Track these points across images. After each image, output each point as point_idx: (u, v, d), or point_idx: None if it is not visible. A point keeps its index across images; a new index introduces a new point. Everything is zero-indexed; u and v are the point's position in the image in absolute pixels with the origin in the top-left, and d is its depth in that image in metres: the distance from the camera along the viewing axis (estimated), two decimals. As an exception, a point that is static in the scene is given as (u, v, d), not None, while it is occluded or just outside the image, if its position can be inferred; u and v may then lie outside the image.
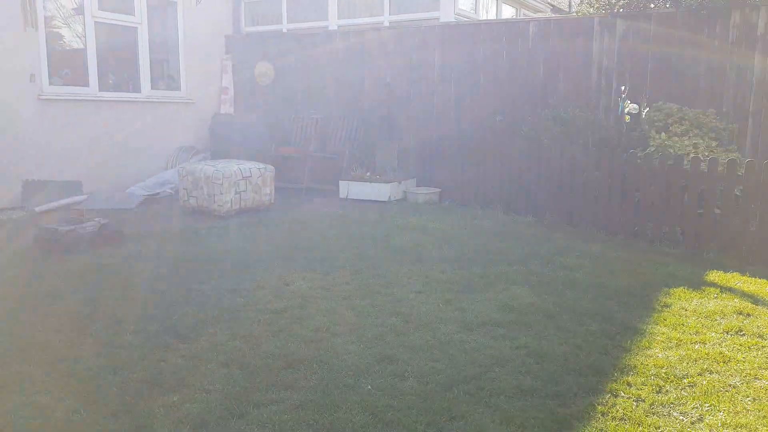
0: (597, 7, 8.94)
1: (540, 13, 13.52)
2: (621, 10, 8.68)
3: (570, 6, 16.75)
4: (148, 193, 8.79)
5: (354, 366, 3.61)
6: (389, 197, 9.09)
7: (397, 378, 3.47)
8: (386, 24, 10.78)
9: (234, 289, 5.01)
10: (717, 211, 6.40)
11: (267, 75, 11.04)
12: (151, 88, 10.13)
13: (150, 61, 10.08)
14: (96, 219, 6.39)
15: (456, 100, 9.83)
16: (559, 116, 8.14)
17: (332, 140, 10.26)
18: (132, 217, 7.96)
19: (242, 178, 7.77)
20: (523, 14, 13.01)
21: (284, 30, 11.76)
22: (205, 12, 10.92)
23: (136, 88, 9.96)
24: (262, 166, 8.18)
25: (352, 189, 9.29)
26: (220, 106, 11.20)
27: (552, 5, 14.51)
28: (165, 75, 10.84)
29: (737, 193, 6.25)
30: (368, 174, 9.41)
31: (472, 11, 11.24)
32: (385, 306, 4.64)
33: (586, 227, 7.37)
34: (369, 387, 3.35)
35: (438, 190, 9.28)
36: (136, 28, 9.87)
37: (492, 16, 11.97)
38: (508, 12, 12.72)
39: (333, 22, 11.29)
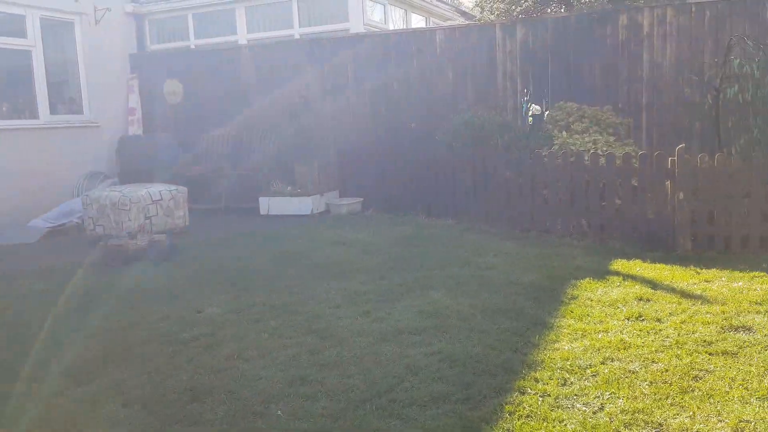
0: (498, 14, 9.24)
1: (450, 21, 13.84)
2: (520, 16, 9.02)
3: (482, 11, 17.26)
4: (52, 225, 8.35)
5: (265, 392, 3.54)
6: (312, 210, 9.03)
7: (308, 400, 3.43)
8: (297, 37, 10.74)
9: (139, 322, 4.82)
10: (618, 202, 6.73)
11: (176, 93, 10.75)
12: (51, 113, 9.65)
13: (48, 84, 9.61)
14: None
15: (371, 109, 9.90)
16: (469, 121, 8.35)
17: (249, 156, 10.10)
18: (29, 252, 7.52)
19: (152, 202, 7.52)
20: (433, 23, 13.28)
21: (192, 46, 11.51)
22: (107, 30, 10.52)
23: (34, 114, 9.47)
24: (173, 188, 7.94)
25: (272, 205, 9.17)
26: (127, 127, 10.80)
27: (463, 12, 14.88)
28: (66, 98, 10.37)
29: (634, 184, 6.61)
30: (289, 188, 9.32)
31: (381, 22, 11.37)
32: (301, 324, 4.59)
33: (501, 226, 7.58)
34: (279, 412, 3.29)
35: (360, 199, 9.30)
36: (30, 51, 9.38)
37: (401, 25, 12.15)
38: (417, 21, 12.94)
39: (242, 37, 11.14)
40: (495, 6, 9.30)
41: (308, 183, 9.35)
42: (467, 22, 11.79)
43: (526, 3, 9.06)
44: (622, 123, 7.97)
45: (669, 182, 6.32)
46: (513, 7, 9.16)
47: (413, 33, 10.15)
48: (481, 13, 9.65)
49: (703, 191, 6.20)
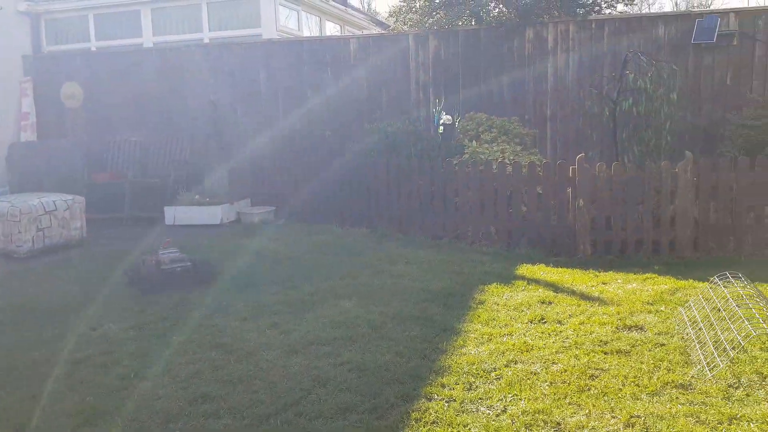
0: (411, 25, 9.38)
1: (365, 31, 13.93)
2: (433, 27, 9.19)
3: (396, 21, 17.46)
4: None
5: (164, 411, 3.36)
6: (221, 220, 8.76)
7: (210, 417, 3.29)
8: (206, 41, 10.44)
9: (30, 344, 4.47)
10: (524, 209, 6.97)
11: (75, 97, 10.16)
12: (-68, 118, 8.86)
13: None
14: None
15: (285, 116, 9.77)
16: (383, 129, 8.40)
17: (155, 163, 9.70)
18: None
19: (45, 213, 7.02)
20: (348, 31, 13.32)
21: (93, 48, 10.93)
22: (-3, 30, 9.81)
23: None
24: (69, 197, 7.46)
25: (179, 214, 8.82)
26: (19, 133, 10.08)
27: (378, 21, 15.02)
28: (-51, 103, 9.57)
29: (539, 192, 6.86)
30: (197, 197, 9.00)
31: (295, 29, 11.27)
32: (205, 339, 4.41)
33: (415, 234, 7.66)
34: (177, 432, 3.14)
35: (273, 208, 9.12)
36: None
37: (316, 33, 12.10)
38: (332, 30, 12.94)
39: (148, 40, 10.71)
40: (408, 17, 9.43)
41: (219, 191, 9.07)
42: (382, 32, 11.90)
43: (438, 15, 9.25)
44: (528, 133, 8.28)
45: (570, 190, 6.61)
46: (425, 19, 9.32)
47: (328, 40, 10.13)
48: (394, 23, 9.76)
49: (602, 198, 6.53)
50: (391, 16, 10.16)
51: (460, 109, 8.87)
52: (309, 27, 11.91)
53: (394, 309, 4.96)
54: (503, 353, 4.02)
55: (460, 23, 9.44)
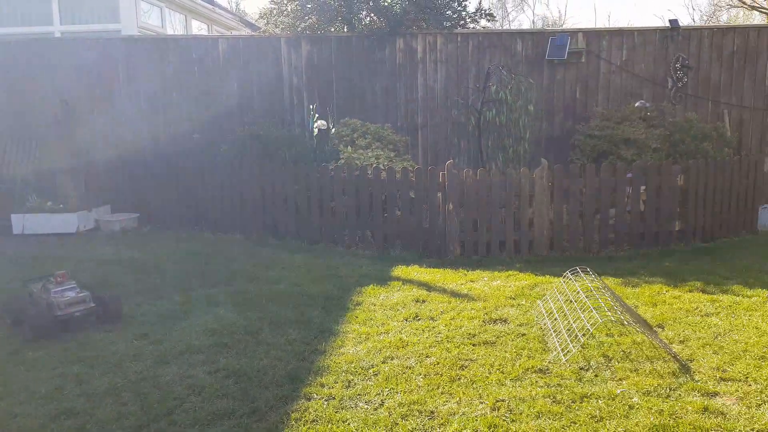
0: (283, 28, 9.33)
1: (235, 31, 13.63)
2: (305, 32, 9.21)
3: (267, 24, 17.29)
4: None
5: (23, 430, 3.08)
6: (77, 228, 8.13)
7: (73, 433, 3.06)
8: (58, 35, 9.68)
9: None
10: (398, 213, 7.20)
11: None
12: None
13: None
14: None
15: (149, 118, 9.29)
16: (256, 133, 8.27)
17: (3, 167, 8.77)
18: None
19: None
20: (216, 31, 12.96)
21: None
22: None
23: None
24: None
25: (29, 222, 8.06)
26: None
27: (248, 23, 14.74)
28: None
29: (412, 196, 7.12)
30: (49, 203, 8.28)
31: (159, 26, 10.77)
32: (64, 354, 4.09)
33: (291, 239, 7.61)
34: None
35: (136, 215, 8.63)
36: None
37: (182, 32, 11.64)
38: (199, 29, 12.52)
39: (-9, 31, 9.71)
40: (279, 20, 9.35)
41: (73, 197, 8.39)
42: (252, 33, 11.71)
43: (310, 19, 9.27)
44: (401, 140, 8.56)
45: (441, 194, 6.93)
46: (298, 23, 9.30)
47: (194, 39, 9.79)
48: (265, 25, 9.65)
49: (469, 202, 6.91)
50: (261, 17, 10.01)
51: (335, 115, 8.97)
52: (173, 25, 11.45)
53: (271, 314, 4.91)
54: (380, 350, 4.13)
55: (333, 29, 9.55)
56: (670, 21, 9.06)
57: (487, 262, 6.66)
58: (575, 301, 4.57)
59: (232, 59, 9.26)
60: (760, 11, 21.45)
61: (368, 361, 3.97)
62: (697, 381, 3.53)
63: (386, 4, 9.17)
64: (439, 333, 4.44)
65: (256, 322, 4.74)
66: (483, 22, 9.94)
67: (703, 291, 5.30)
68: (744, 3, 21.76)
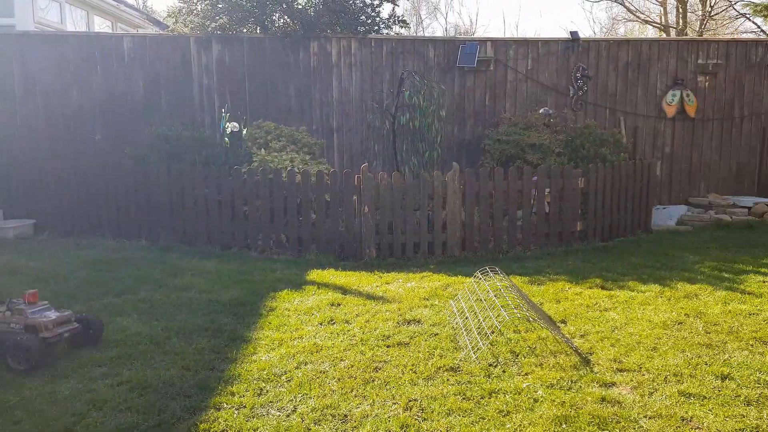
0: (192, 28, 9.04)
1: (141, 30, 13.07)
2: (216, 31, 8.97)
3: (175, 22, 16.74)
4: None
5: None
6: (-35, 236, 7.50)
7: (-47, 459, 2.81)
8: (-58, 28, 8.90)
9: None
10: (313, 216, 7.15)
11: None
12: None
13: None
14: None
15: (47, 117, 8.74)
16: (164, 134, 7.97)
17: None
18: None
19: None
20: (121, 29, 12.38)
21: None
22: None
23: None
24: None
25: None
26: None
27: (156, 21, 14.18)
28: None
29: (327, 199, 7.10)
30: (-68, 210, 7.60)
31: (58, 22, 10.16)
32: (-54, 372, 3.75)
33: (202, 244, 7.38)
34: None
35: (32, 221, 8.08)
36: None
37: (83, 29, 11.03)
38: (102, 25, 11.92)
39: None
40: (189, 19, 9.05)
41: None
42: (160, 32, 11.28)
43: (221, 20, 9.05)
44: (316, 143, 8.52)
45: (356, 197, 6.95)
46: (208, 22, 9.04)
47: (97, 37, 9.31)
48: (174, 24, 9.32)
49: (384, 205, 6.97)
50: (170, 16, 9.65)
51: (248, 117, 8.80)
52: (74, 21, 10.84)
53: (179, 323, 4.74)
54: (294, 356, 4.08)
55: (245, 30, 9.37)
56: (570, 33, 9.58)
57: (402, 263, 6.75)
58: (485, 300, 4.71)
59: (137, 58, 8.88)
60: (653, 25, 23.11)
61: (281, 367, 3.91)
62: (596, 373, 3.73)
63: (300, 7, 9.12)
64: (354, 336, 4.44)
65: (162, 331, 4.55)
66: (396, 29, 10.09)
67: (602, 287, 5.61)
68: (638, 18, 23.37)
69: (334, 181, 7.02)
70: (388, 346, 4.22)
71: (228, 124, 8.00)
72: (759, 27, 19.11)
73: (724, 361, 3.86)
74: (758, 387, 3.49)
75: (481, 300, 4.76)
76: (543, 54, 9.59)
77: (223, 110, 8.43)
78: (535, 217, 7.39)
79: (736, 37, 17.89)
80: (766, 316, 4.71)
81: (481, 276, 5.14)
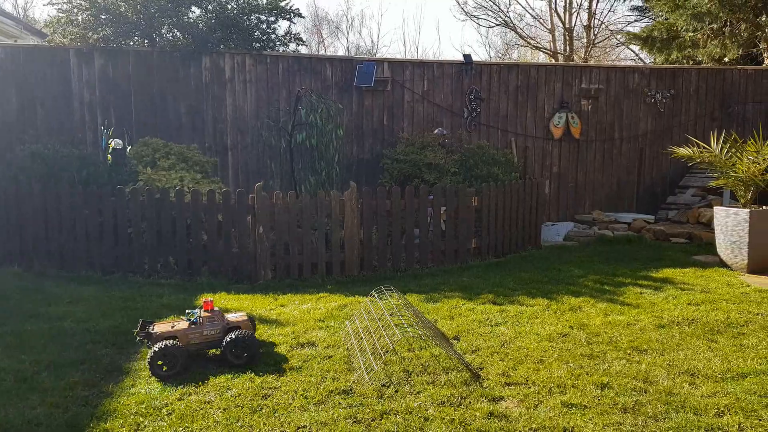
0: (72, 39, 8.48)
1: (20, 40, 12.12)
2: (99, 44, 8.47)
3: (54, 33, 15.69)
4: None
5: None
6: None
7: None
8: None
9: None
10: (205, 237, 6.85)
11: None
12: None
13: None
14: None
15: None
16: (39, 153, 7.37)
17: None
18: None
19: None
20: (-5, 38, 11.42)
21: None
22: None
23: None
24: None
25: None
26: None
27: (37, 31, 13.20)
28: None
29: (220, 219, 6.83)
30: None
31: None
32: None
33: (81, 269, 6.87)
34: None
35: None
36: None
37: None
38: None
39: None
40: (69, 30, 8.47)
41: None
42: (37, 44, 10.51)
43: (104, 31, 8.55)
44: (209, 161, 8.20)
45: (251, 217, 6.74)
46: (90, 34, 8.49)
47: (-36, 47, 8.53)
48: (52, 34, 8.69)
49: (280, 225, 6.81)
50: (47, 26, 9.02)
51: (134, 134, 8.35)
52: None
53: (50, 356, 4.33)
54: (177, 387, 3.82)
55: (132, 43, 8.93)
56: (464, 56, 9.92)
57: (299, 284, 6.59)
58: (380, 320, 4.67)
59: (10, 71, 8.20)
60: (543, 51, 24.55)
61: (162, 399, 3.65)
62: (485, 388, 3.77)
63: (190, 21, 8.82)
64: (244, 362, 4.24)
65: (31, 365, 4.14)
66: (293, 46, 10.01)
67: (494, 303, 5.75)
68: (529, 44, 24.75)
69: (227, 200, 6.78)
70: (279, 372, 4.06)
71: (111, 141, 7.53)
72: (637, 55, 20.81)
73: (604, 370, 4.03)
74: (634, 394, 3.66)
75: (376, 320, 4.71)
76: (438, 76, 9.85)
77: (103, 127, 7.91)
78: (432, 235, 7.50)
79: (615, 63, 19.35)
80: (642, 326, 5.00)
81: (376, 295, 5.10)
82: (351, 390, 3.76)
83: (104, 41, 8.47)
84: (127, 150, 7.69)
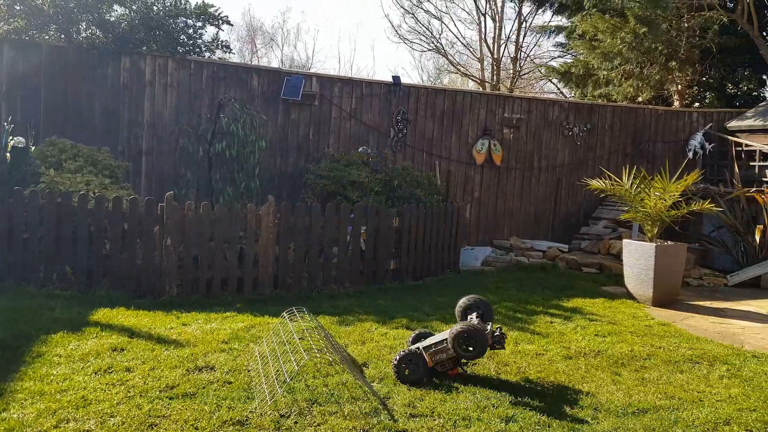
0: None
1: None
2: (11, 35, 7.88)
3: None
4: None
5: None
6: None
7: None
8: None
9: None
10: (107, 246, 6.42)
11: None
12: None
13: None
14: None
15: None
16: (-75, 145, 6.72)
17: None
18: None
19: None
20: None
21: None
22: None
23: None
24: None
25: None
26: None
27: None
28: None
29: (125, 227, 6.43)
30: None
31: None
32: None
33: (-34, 276, 6.27)
34: None
35: None
36: None
37: None
38: None
39: None
40: (-24, 19, 7.86)
41: None
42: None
43: (17, 23, 7.99)
44: (120, 166, 7.76)
45: (158, 228, 6.38)
46: (1, 24, 7.92)
47: None
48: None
49: (190, 237, 6.48)
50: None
51: (40, 132, 7.80)
52: None
53: None
54: (55, 412, 3.49)
55: (47, 37, 8.37)
56: (393, 77, 9.94)
57: (206, 302, 6.28)
58: (289, 343, 4.47)
59: None
60: (472, 79, 25.17)
61: (36, 427, 3.31)
62: (389, 419, 3.65)
63: (112, 19, 8.38)
64: (134, 386, 3.93)
65: None
66: (219, 53, 9.70)
67: (407, 327, 5.67)
68: (459, 71, 25.33)
69: (134, 208, 6.39)
70: (170, 398, 3.78)
71: (12, 138, 6.97)
72: (558, 89, 21.66)
73: (510, 402, 4.01)
74: (538, 428, 3.64)
75: (284, 343, 4.51)
76: (367, 94, 9.81)
77: (6, 123, 7.33)
78: (351, 254, 7.37)
79: (537, 95, 20.10)
80: (550, 357, 5.05)
81: (287, 317, 4.91)
82: (247, 420, 3.54)
83: (16, 33, 7.89)
84: (31, 149, 7.14)
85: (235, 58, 10.05)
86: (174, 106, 8.63)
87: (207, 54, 9.15)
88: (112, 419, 3.46)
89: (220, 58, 9.87)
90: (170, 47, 8.62)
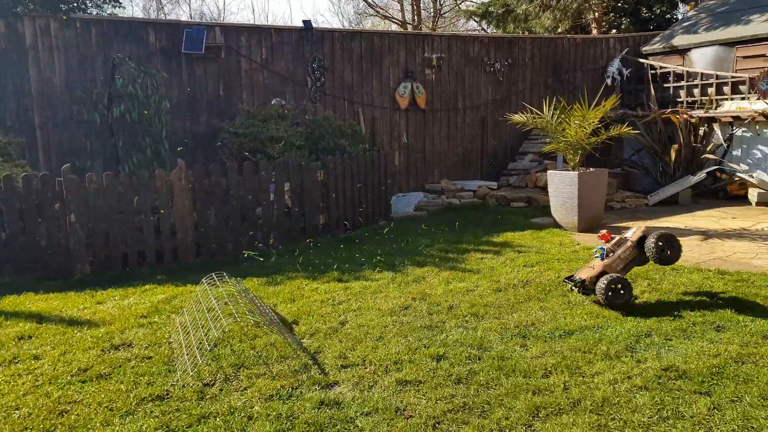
0: None
1: None
2: None
3: None
4: None
5: None
6: None
7: None
8: None
9: None
10: (5, 232, 5.89)
11: None
12: None
13: None
14: None
15: None
16: None
17: None
18: None
19: None
20: None
21: None
22: None
23: None
24: None
25: None
26: None
27: None
28: None
29: (24, 208, 5.89)
30: None
31: None
32: None
33: None
34: None
35: None
36: None
37: None
38: None
39: None
40: None
41: None
42: None
43: None
44: (12, 142, 7.10)
45: (60, 204, 5.89)
46: None
47: None
48: None
49: (97, 212, 6.02)
50: None
51: None
52: None
53: None
54: (-54, 415, 3.14)
55: None
56: (303, 22, 9.46)
57: (123, 277, 5.90)
58: (211, 311, 4.23)
59: None
60: (393, 21, 24.65)
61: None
62: (320, 373, 3.52)
63: (-21, -23, 7.51)
64: (42, 374, 3.61)
65: None
66: (110, 9, 8.94)
67: (339, 280, 5.52)
68: (378, 13, 24.73)
69: (28, 186, 5.85)
70: (83, 382, 3.50)
71: None
72: (480, 25, 21.49)
73: (441, 341, 3.94)
74: (468, 363, 3.60)
75: (206, 311, 4.26)
76: (278, 43, 9.33)
77: None
78: (277, 213, 7.09)
79: (456, 32, 19.90)
80: (481, 291, 5.03)
81: (206, 283, 4.65)
82: (168, 395, 3.32)
83: None
84: None
85: (119, 12, 9.25)
86: (64, 72, 7.91)
87: (94, 11, 8.39)
88: (17, 412, 3.16)
89: (111, 14, 9.09)
90: (50, 5, 7.83)
